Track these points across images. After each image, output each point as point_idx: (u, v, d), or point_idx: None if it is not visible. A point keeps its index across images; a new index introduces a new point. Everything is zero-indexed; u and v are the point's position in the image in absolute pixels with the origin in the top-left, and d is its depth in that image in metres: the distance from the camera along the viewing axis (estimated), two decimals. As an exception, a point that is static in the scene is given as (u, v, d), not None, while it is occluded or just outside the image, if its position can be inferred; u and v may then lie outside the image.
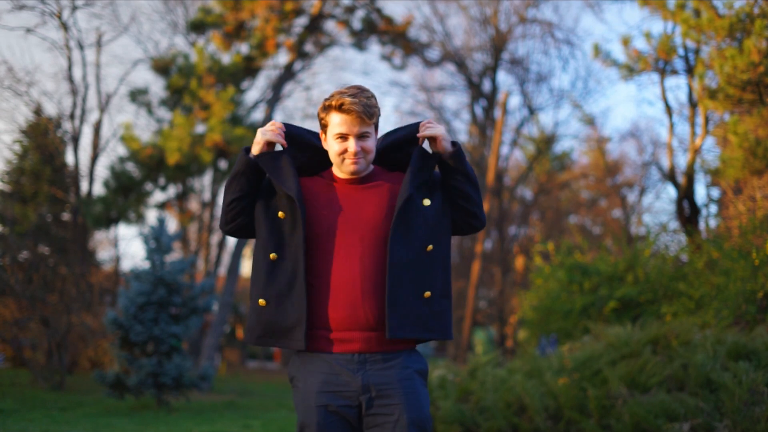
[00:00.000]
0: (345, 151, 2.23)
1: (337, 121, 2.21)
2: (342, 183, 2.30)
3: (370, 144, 2.25)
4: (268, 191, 2.31)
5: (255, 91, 34.68)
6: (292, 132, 2.33)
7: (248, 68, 16.08)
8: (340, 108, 2.20)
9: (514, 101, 41.17)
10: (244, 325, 26.19)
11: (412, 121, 25.01)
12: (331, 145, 2.25)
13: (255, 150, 2.27)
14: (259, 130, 2.27)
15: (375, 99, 2.23)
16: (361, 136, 2.22)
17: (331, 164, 2.34)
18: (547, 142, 21.45)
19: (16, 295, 11.80)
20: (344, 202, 2.26)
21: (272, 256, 2.23)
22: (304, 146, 2.34)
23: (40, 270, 12.64)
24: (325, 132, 2.28)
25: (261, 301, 2.23)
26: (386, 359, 2.19)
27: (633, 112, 36.95)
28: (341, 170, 2.28)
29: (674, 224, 13.55)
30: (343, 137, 2.22)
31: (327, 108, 2.23)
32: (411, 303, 2.19)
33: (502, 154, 19.81)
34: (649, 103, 25.12)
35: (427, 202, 2.27)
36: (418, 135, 2.31)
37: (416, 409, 2.16)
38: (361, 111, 2.18)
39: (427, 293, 2.22)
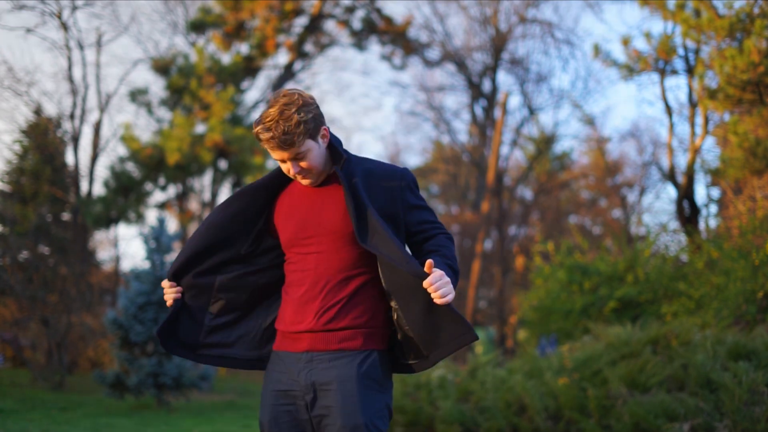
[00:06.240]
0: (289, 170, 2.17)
1: (268, 149, 2.12)
2: (302, 186, 2.26)
3: (310, 161, 2.12)
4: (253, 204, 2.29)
5: (255, 91, 34.61)
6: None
7: (248, 68, 16.09)
8: (259, 140, 2.10)
9: (514, 101, 41.23)
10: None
11: (412, 120, 25.12)
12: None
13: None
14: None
15: (300, 113, 2.02)
16: (295, 158, 2.09)
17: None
18: (547, 142, 21.44)
19: (16, 295, 11.79)
20: (304, 206, 2.22)
21: None
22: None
23: (40, 270, 12.63)
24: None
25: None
26: (333, 358, 2.10)
27: (633, 112, 36.76)
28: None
29: (674, 224, 13.57)
30: (282, 161, 2.15)
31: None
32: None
33: (502, 154, 19.81)
34: (649, 103, 25.10)
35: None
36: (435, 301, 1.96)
37: (350, 414, 2.03)
38: (276, 145, 2.05)
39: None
